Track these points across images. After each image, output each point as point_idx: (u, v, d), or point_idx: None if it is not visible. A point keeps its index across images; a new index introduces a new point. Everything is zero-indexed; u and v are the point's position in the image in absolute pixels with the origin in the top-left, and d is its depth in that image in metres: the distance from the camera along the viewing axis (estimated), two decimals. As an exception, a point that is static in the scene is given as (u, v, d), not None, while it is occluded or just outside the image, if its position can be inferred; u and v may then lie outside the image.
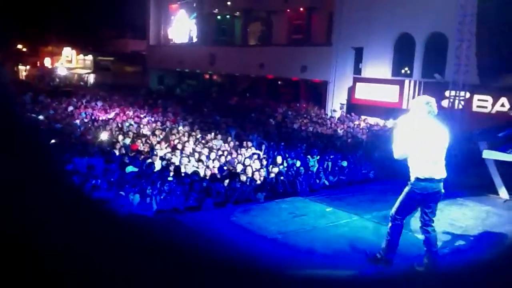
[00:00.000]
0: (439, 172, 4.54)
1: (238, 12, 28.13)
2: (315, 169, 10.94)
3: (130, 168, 9.80)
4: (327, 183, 10.22)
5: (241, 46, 27.16)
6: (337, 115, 20.27)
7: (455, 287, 4.61)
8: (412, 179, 4.57)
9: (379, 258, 4.77)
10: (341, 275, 4.60)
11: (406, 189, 4.66)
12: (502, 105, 14.46)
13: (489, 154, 7.81)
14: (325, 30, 22.39)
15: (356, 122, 17.98)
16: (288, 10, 24.62)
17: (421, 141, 4.45)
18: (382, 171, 10.87)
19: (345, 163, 11.25)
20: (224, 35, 29.41)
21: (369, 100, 19.22)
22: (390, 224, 4.75)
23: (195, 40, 31.23)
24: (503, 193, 8.01)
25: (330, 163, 11.33)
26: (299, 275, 4.53)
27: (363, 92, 19.54)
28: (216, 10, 29.21)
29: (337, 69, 20.80)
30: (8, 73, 37.82)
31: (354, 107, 20.19)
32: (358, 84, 19.86)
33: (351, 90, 20.21)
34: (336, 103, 21.02)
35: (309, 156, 11.96)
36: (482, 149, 7.81)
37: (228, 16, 29.40)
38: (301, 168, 10.75)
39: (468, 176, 9.03)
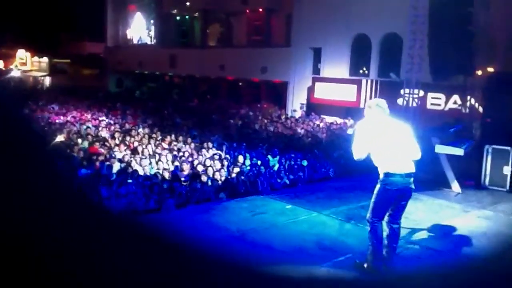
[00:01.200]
0: (406, 167, 4.61)
1: (197, 13, 27.99)
2: (276, 168, 11.04)
3: (83, 171, 9.63)
4: (287, 182, 10.34)
5: (201, 47, 27.05)
6: (297, 114, 20.49)
7: (407, 278, 4.78)
8: (381, 175, 4.63)
9: (367, 267, 4.71)
10: (298, 270, 4.68)
11: (377, 187, 4.68)
12: (455, 103, 15.02)
13: (441, 149, 8.09)
14: (284, 31, 22.62)
15: (317, 122, 18.23)
16: (247, 11, 24.71)
17: (379, 140, 4.59)
18: (341, 169, 11.12)
19: (305, 162, 11.40)
20: (183, 36, 29.21)
21: (328, 99, 19.53)
22: (369, 229, 4.72)
23: (154, 41, 30.89)
24: (455, 186, 8.31)
25: (290, 162, 11.45)
26: (255, 271, 4.58)
27: (322, 92, 19.84)
28: (175, 11, 28.98)
29: (297, 70, 21.04)
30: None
31: (313, 107, 20.47)
32: (317, 84, 20.14)
33: (311, 90, 20.48)
34: (296, 103, 21.26)
35: (269, 156, 12.06)
36: (435, 144, 8.08)
37: (187, 17, 29.23)
38: (262, 167, 10.84)
39: (422, 172, 9.31)
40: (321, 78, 20.12)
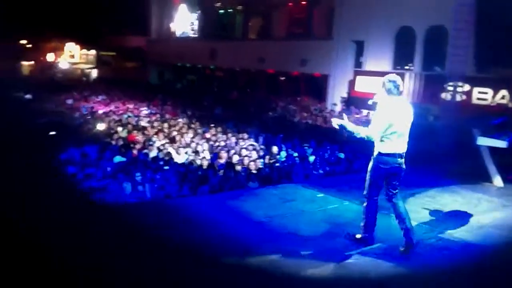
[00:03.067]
0: (402, 147, 4.73)
1: (239, 6, 28.05)
2: (311, 160, 10.93)
3: (118, 158, 9.83)
4: (322, 172, 10.22)
5: (242, 40, 27.08)
6: (337, 108, 20.20)
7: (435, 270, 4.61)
8: (375, 154, 4.77)
9: (359, 238, 4.94)
10: (324, 256, 4.59)
11: (370, 165, 4.86)
12: (502, 97, 14.37)
13: (483, 141, 7.76)
14: (326, 23, 22.26)
15: (357, 116, 17.91)
16: (289, 4, 24.52)
17: (394, 121, 4.60)
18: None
19: (342, 155, 11.25)
20: (224, 29, 29.30)
21: (370, 93, 19.12)
22: (365, 204, 4.93)
23: (196, 34, 31.17)
24: (497, 180, 7.95)
25: (327, 154, 11.32)
26: (277, 256, 4.53)
27: (364, 85, 19.45)
28: (218, 4, 29.15)
29: (338, 63, 20.70)
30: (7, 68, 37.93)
31: (354, 100, 20.12)
32: (358, 77, 19.77)
33: (352, 84, 20.13)
34: (336, 96, 20.94)
35: (306, 147, 11.97)
36: (476, 136, 7.75)
37: (230, 10, 29.32)
38: (297, 158, 10.76)
39: (463, 165, 9.00)
40: (363, 72, 19.72)
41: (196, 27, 31.36)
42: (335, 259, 4.57)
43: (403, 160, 4.76)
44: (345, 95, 20.72)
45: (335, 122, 4.81)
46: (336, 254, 4.68)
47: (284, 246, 4.77)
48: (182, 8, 31.79)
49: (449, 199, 6.80)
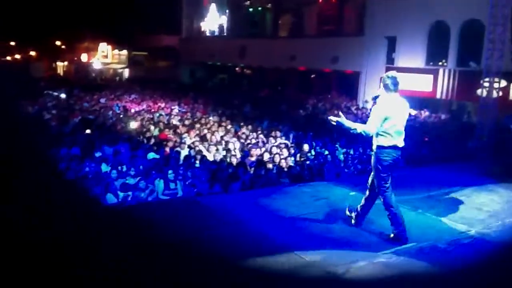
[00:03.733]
0: (400, 141, 4.89)
1: (269, 4, 28.02)
2: (342, 158, 10.82)
3: (151, 155, 9.95)
4: (355, 171, 10.10)
5: (272, 38, 27.05)
6: (369, 106, 19.92)
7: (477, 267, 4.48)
8: (375, 149, 4.92)
9: (393, 237, 4.92)
10: (356, 256, 4.53)
11: (373, 160, 5.00)
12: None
13: (522, 139, 7.52)
14: (357, 20, 22.02)
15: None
16: (319, 1, 24.35)
17: (384, 112, 4.78)
18: (411, 159, 10.68)
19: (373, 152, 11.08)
20: (254, 27, 29.33)
21: (402, 90, 18.77)
22: (382, 200, 5.01)
23: (226, 33, 31.31)
24: (537, 179, 7.68)
25: (358, 152, 11.18)
26: (310, 253, 4.49)
27: (396, 82, 19.14)
28: (248, 2, 29.21)
29: (369, 59, 20.45)
30: (43, 68, 39.02)
31: (386, 98, 19.82)
32: (390, 74, 19.47)
33: (384, 81, 19.84)
34: (368, 94, 20.66)
35: (337, 145, 11.85)
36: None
37: (259, 8, 29.34)
38: (329, 156, 10.67)
39: (500, 163, 8.74)
40: (396, 68, 19.37)
41: (226, 25, 31.50)
42: (369, 258, 4.50)
43: (401, 152, 4.95)
44: (377, 92, 20.43)
45: (333, 120, 4.88)
46: (370, 253, 4.61)
47: (317, 245, 4.73)
48: (212, 7, 31.98)
49: (486, 198, 6.60)
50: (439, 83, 17.60)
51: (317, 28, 24.64)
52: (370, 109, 18.53)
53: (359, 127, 4.81)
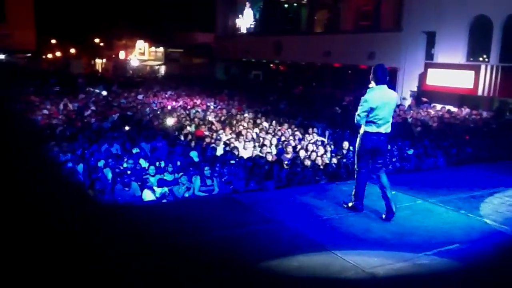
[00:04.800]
0: (385, 128, 5.35)
1: (304, 0, 27.82)
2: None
3: (193, 153, 10.04)
4: (392, 169, 9.91)
5: (307, 34, 26.84)
6: (406, 103, 19.56)
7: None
8: (362, 133, 5.42)
9: (351, 206, 5.63)
10: (396, 257, 4.43)
11: (357, 142, 5.54)
12: None
13: None
14: (394, 14, 21.58)
15: (431, 111, 17.23)
16: (356, -4, 24.03)
17: (371, 102, 5.23)
18: (452, 159, 10.42)
19: (410, 151, 10.85)
20: (289, 23, 29.19)
21: (442, 86, 18.35)
22: (355, 175, 5.59)
23: (260, 29, 31.28)
24: None
25: (396, 150, 10.96)
26: (350, 254, 4.42)
27: (435, 79, 18.68)
28: (283, -2, 29.15)
29: (408, 55, 20.03)
30: (82, 65, 40.03)
31: (425, 94, 19.38)
32: (430, 70, 19.01)
33: (422, 77, 19.40)
34: (406, 90, 20.29)
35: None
36: None
37: (295, 4, 29.17)
38: (366, 154, 10.49)
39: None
40: (435, 64, 18.96)
41: (260, 22, 31.47)
42: (411, 260, 4.39)
43: (386, 139, 5.44)
44: (415, 89, 20.01)
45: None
46: (411, 254, 4.50)
47: (355, 245, 4.65)
48: (247, 4, 32.01)
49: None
50: (480, 80, 17.05)
51: (354, 23, 24.30)
52: (409, 106, 18.24)
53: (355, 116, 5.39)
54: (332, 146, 11.39)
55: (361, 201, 5.59)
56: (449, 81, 18.04)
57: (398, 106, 18.56)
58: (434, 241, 4.79)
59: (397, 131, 13.69)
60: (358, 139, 5.50)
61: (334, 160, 10.10)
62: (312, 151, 10.40)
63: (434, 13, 18.41)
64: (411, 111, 17.34)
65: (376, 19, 22.87)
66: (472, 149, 11.12)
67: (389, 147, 11.05)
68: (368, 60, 21.19)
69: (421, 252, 4.56)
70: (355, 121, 5.40)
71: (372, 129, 5.31)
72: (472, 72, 17.32)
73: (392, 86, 20.54)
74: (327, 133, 12.89)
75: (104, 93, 18.43)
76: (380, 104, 5.24)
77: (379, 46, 20.91)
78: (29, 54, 38.36)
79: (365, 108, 5.26)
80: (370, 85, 5.40)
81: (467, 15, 17.69)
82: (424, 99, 18.81)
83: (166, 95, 21.41)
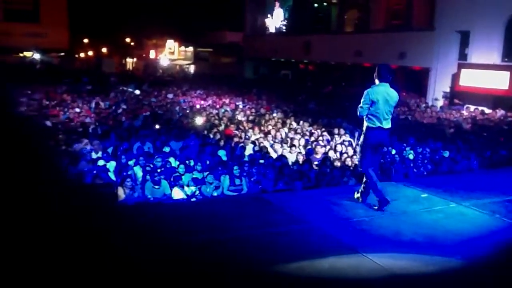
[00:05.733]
0: (386, 123, 5.60)
1: (335, -1, 27.65)
2: (412, 158, 10.46)
3: (221, 152, 10.09)
4: (424, 172, 9.74)
5: (337, 33, 26.61)
6: (438, 104, 19.19)
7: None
8: (364, 129, 5.67)
9: (357, 198, 5.92)
10: (426, 260, 4.34)
11: (361, 139, 5.77)
12: None
13: None
14: (427, 13, 21.15)
15: (464, 113, 16.87)
16: (387, -5, 23.68)
17: (372, 97, 5.50)
18: (486, 161, 10.16)
19: (446, 153, 10.63)
20: (319, 23, 29.00)
21: (475, 87, 17.92)
22: (365, 173, 5.75)
23: (290, 29, 31.18)
24: None
25: (428, 152, 10.77)
26: (379, 256, 4.36)
27: (469, 79, 18.26)
28: (313, -2, 28.98)
29: (440, 55, 19.63)
30: (114, 64, 40.74)
31: (458, 95, 18.97)
32: (463, 70, 18.59)
33: (455, 77, 18.98)
34: (438, 91, 19.89)
35: (405, 145, 11.49)
36: None
37: (325, 4, 28.98)
38: (397, 156, 10.34)
39: None
40: (468, 64, 18.52)
41: (290, 21, 31.37)
42: (441, 263, 4.30)
43: (388, 133, 5.69)
44: (448, 89, 19.61)
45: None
46: (442, 258, 4.40)
47: (386, 248, 4.58)
48: (276, 4, 31.95)
49: None
50: (517, 81, 16.60)
51: (384, 22, 23.95)
52: (441, 107, 17.89)
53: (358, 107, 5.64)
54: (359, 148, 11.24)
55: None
56: (483, 82, 17.60)
57: (429, 107, 18.27)
58: (467, 246, 4.69)
59: (429, 132, 13.50)
60: (362, 135, 5.74)
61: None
62: (341, 151, 10.32)
63: (468, 12, 17.99)
64: (443, 112, 17.01)
65: (408, 18, 22.48)
66: (506, 151, 10.83)
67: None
68: (399, 60, 20.88)
69: (453, 257, 4.46)
70: (358, 113, 5.65)
71: (374, 124, 5.56)
72: (508, 73, 16.86)
73: (423, 86, 20.35)
74: (356, 134, 12.74)
75: (137, 92, 18.66)
76: (381, 98, 5.51)
77: (410, 46, 20.57)
78: (63, 53, 39.32)
79: (367, 101, 5.53)
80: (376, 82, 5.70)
81: (503, 14, 17.22)
82: (457, 101, 18.42)
83: (195, 94, 21.58)
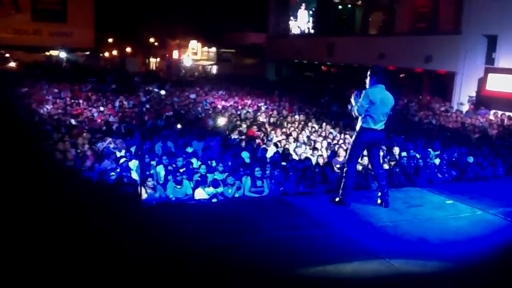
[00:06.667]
0: (380, 125, 5.72)
1: (359, 1, 27.37)
2: (436, 163, 10.29)
3: (244, 154, 10.08)
4: (449, 178, 9.57)
5: (361, 36, 26.37)
6: (464, 108, 18.84)
7: None
8: (358, 128, 5.79)
9: (338, 201, 5.87)
10: (452, 267, 4.25)
11: (354, 136, 5.94)
12: None
13: None
14: (453, 17, 20.79)
15: (491, 118, 16.53)
16: (413, -2, 23.35)
17: (370, 98, 5.58)
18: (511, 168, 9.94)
19: (470, 159, 10.43)
20: (343, 25, 28.77)
21: (503, 92, 17.51)
22: (345, 169, 5.93)
23: (313, 31, 31.03)
24: None
25: (453, 158, 10.58)
26: (406, 263, 4.29)
27: (496, 84, 17.85)
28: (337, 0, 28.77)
29: (466, 59, 19.23)
30: (138, 64, 41.19)
31: (484, 100, 18.59)
32: (490, 75, 18.18)
33: (482, 82, 18.60)
34: (463, 95, 19.51)
35: (430, 149, 11.31)
36: None
37: (349, 6, 28.77)
38: (421, 161, 10.19)
39: None
40: (496, 69, 18.11)
41: (313, 23, 31.22)
42: (468, 272, 4.21)
43: (382, 134, 5.89)
44: (474, 94, 19.23)
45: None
46: (469, 267, 4.31)
47: (411, 254, 4.50)
48: (299, 5, 31.84)
49: None
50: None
51: (410, 25, 23.60)
52: (467, 112, 17.58)
53: (354, 106, 5.77)
54: (382, 152, 11.09)
55: (349, 195, 5.83)
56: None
57: (455, 112, 17.96)
58: (494, 255, 4.59)
59: (453, 137, 13.27)
60: (355, 134, 5.89)
61: (386, 166, 9.85)
62: (363, 155, 10.20)
63: (496, 16, 17.61)
64: (469, 117, 16.70)
65: (434, 21, 22.12)
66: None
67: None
68: (425, 64, 20.57)
69: (479, 266, 4.36)
70: (356, 112, 5.75)
71: (369, 125, 5.67)
72: (537, 78, 16.46)
73: (448, 91, 19.99)
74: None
75: (163, 92, 18.75)
76: (379, 100, 5.61)
77: (436, 49, 20.22)
78: (88, 52, 39.94)
79: (366, 101, 5.60)
80: (367, 83, 5.80)
81: (533, 18, 16.84)
82: (483, 108, 18.04)
83: (217, 95, 21.65)
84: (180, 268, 4.03)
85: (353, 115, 5.85)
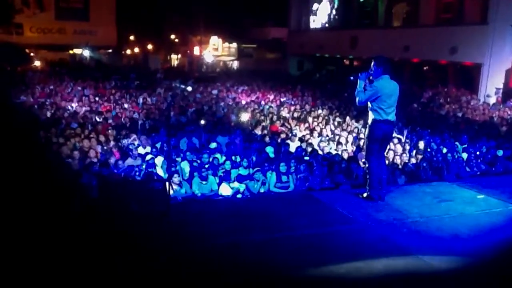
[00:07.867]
0: (392, 116, 5.71)
1: (382, -7, 26.97)
2: (464, 157, 10.09)
3: (269, 149, 10.04)
4: (477, 172, 9.37)
5: (384, 28, 26.00)
6: (491, 100, 18.46)
7: None
8: (370, 121, 5.73)
9: (366, 196, 5.81)
10: (486, 265, 4.15)
11: (367, 132, 5.82)
12: None
13: None
14: (480, 7, 20.33)
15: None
16: (439, -13, 22.90)
17: (379, 90, 5.58)
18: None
19: (500, 152, 10.20)
20: (366, 17, 28.39)
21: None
22: (366, 165, 5.92)
23: (335, 24, 30.72)
24: None
25: (482, 151, 10.36)
26: (439, 259, 4.20)
27: (525, 76, 17.46)
28: (360, -8, 28.41)
29: (493, 50, 18.84)
30: (160, 60, 41.49)
31: (512, 92, 18.20)
32: (518, 66, 17.80)
33: (510, 73, 18.18)
34: (490, 87, 19.11)
35: (457, 143, 11.10)
36: None
37: (372, -2, 28.40)
38: (449, 155, 10.00)
39: None
40: (524, 60, 17.71)
41: (335, 16, 30.91)
42: (501, 269, 4.10)
43: (393, 127, 5.94)
44: (501, 85, 18.81)
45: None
46: (502, 264, 4.20)
47: (443, 250, 4.41)
48: (322, -1, 31.57)
49: None
50: None
51: (434, 16, 23.15)
52: (494, 104, 17.22)
53: (359, 91, 5.68)
54: (408, 146, 10.94)
55: (376, 190, 5.75)
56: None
57: (482, 104, 17.59)
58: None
59: (481, 130, 12.99)
60: (368, 129, 5.79)
61: (413, 160, 9.71)
62: (390, 149, 10.06)
63: (525, 5, 17.19)
64: (496, 110, 16.34)
65: (459, 12, 21.65)
66: None
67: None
68: (450, 55, 20.20)
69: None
70: (359, 99, 5.68)
71: (381, 116, 5.63)
72: None
73: (475, 83, 19.61)
74: (405, 131, 12.41)
75: (189, 88, 18.75)
76: (387, 92, 5.62)
77: (462, 40, 19.83)
78: (110, 50, 40.40)
79: (372, 92, 5.60)
80: (371, 74, 5.74)
81: None
82: (511, 100, 17.65)
83: (240, 90, 21.64)
84: (215, 265, 4.04)
85: (358, 99, 5.72)
